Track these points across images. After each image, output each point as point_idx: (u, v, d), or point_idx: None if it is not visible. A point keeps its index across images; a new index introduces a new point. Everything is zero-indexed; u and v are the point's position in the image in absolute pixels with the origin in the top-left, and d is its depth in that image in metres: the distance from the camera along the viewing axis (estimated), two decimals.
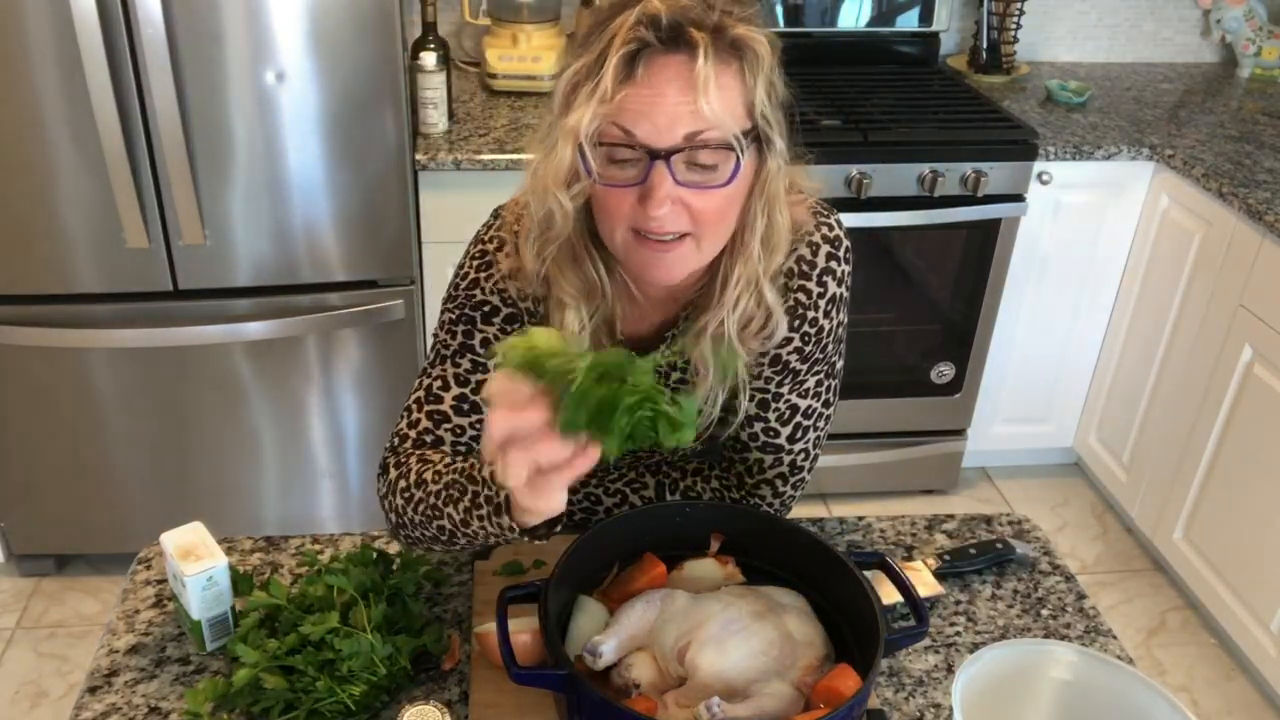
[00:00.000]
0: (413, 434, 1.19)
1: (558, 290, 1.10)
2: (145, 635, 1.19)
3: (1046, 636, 1.24)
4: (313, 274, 2.31)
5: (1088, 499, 3.02)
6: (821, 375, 1.22)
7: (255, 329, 2.31)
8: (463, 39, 2.86)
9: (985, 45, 2.94)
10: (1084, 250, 2.69)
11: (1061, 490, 3.05)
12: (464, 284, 1.18)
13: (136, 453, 2.45)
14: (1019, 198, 2.54)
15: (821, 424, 1.26)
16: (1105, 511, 2.98)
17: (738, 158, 0.99)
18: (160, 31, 1.99)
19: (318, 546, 1.32)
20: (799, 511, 1.35)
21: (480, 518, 1.06)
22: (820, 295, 1.17)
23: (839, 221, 1.19)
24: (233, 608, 1.16)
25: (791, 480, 1.28)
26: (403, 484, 1.15)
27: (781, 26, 2.79)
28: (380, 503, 1.20)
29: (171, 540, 1.16)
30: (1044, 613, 1.27)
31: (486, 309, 1.16)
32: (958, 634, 1.23)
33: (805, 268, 1.16)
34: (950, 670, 1.18)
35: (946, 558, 1.31)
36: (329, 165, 2.20)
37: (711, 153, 0.98)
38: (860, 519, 1.42)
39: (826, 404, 1.25)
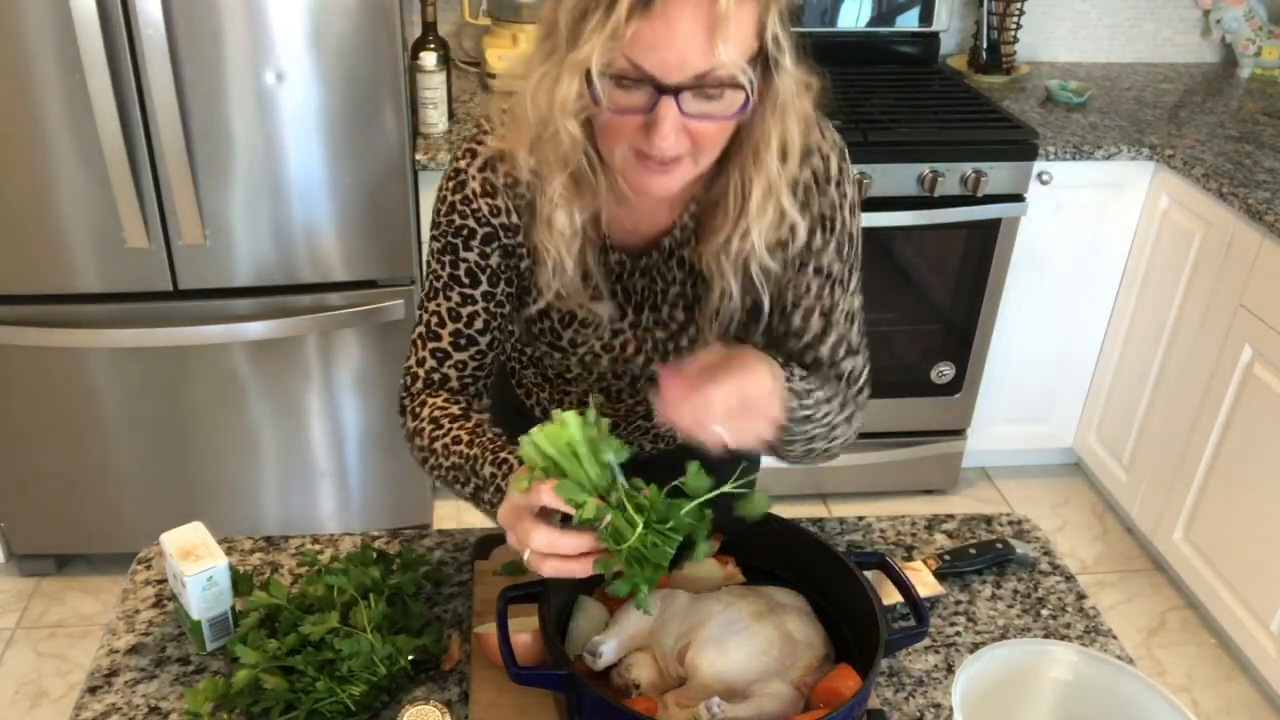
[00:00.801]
0: (421, 373, 1.21)
1: (550, 190, 1.09)
2: (145, 635, 1.19)
3: (1046, 636, 1.24)
4: (313, 274, 2.31)
5: (1088, 499, 3.02)
6: (857, 268, 1.23)
7: (255, 329, 2.31)
8: (463, 39, 2.86)
9: (985, 45, 2.94)
10: (1084, 250, 2.69)
11: (1061, 490, 3.05)
12: (443, 209, 1.18)
13: (136, 453, 2.45)
14: (1019, 198, 2.54)
15: (863, 317, 1.25)
16: (1105, 511, 2.98)
17: (747, 95, 0.98)
18: (160, 31, 1.99)
19: (318, 546, 1.32)
20: (799, 511, 1.35)
21: (483, 507, 1.11)
22: (842, 199, 1.17)
23: (833, 128, 1.19)
24: (233, 608, 1.16)
25: (864, 380, 1.27)
26: (419, 441, 1.18)
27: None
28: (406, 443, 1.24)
29: (171, 540, 1.16)
30: (1044, 613, 1.27)
31: (465, 233, 1.16)
32: (958, 634, 1.23)
33: (824, 176, 1.15)
34: (950, 670, 1.18)
35: (946, 558, 1.31)
36: (329, 165, 2.20)
37: (720, 86, 0.97)
38: (860, 519, 1.42)
39: (862, 305, 1.26)
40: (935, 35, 2.94)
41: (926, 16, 2.89)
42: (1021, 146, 2.50)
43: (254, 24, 2.05)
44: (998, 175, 2.50)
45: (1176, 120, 2.74)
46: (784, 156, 1.08)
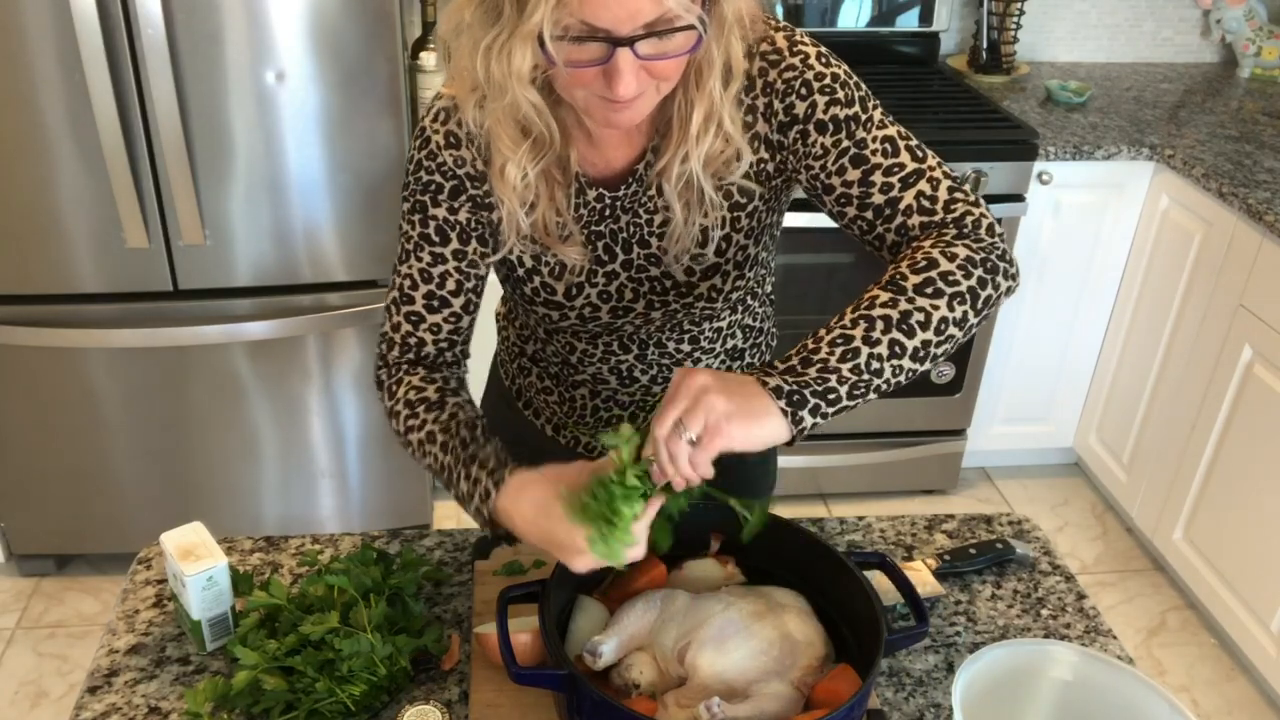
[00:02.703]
0: (397, 338, 1.20)
1: (496, 141, 1.08)
2: (145, 635, 1.19)
3: (1046, 636, 1.24)
4: (313, 274, 2.31)
5: (1088, 499, 3.02)
6: (879, 105, 1.15)
7: (255, 329, 2.31)
8: None
9: (985, 45, 2.94)
10: (1084, 250, 2.69)
11: (1061, 490, 3.05)
12: (411, 168, 1.18)
13: (136, 453, 2.45)
14: (1019, 198, 2.54)
15: (915, 141, 1.14)
16: (1105, 511, 2.98)
17: (700, 35, 0.98)
18: (160, 31, 1.99)
19: (318, 546, 1.32)
20: (799, 512, 1.35)
21: (467, 511, 1.11)
22: (805, 59, 1.12)
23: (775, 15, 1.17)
24: (233, 608, 1.17)
25: (959, 193, 1.12)
26: (395, 424, 1.18)
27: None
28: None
29: (171, 540, 1.16)
30: (1044, 613, 1.27)
31: (433, 189, 1.16)
32: (958, 634, 1.23)
33: (774, 57, 1.12)
34: (950, 670, 1.18)
35: (946, 558, 1.31)
36: (329, 165, 2.20)
37: (672, 30, 0.96)
38: (860, 519, 1.42)
39: (904, 134, 1.15)
40: (935, 35, 2.94)
41: (926, 16, 2.89)
42: (1021, 146, 2.51)
43: (254, 24, 2.05)
44: (998, 175, 2.50)
45: (1176, 120, 2.74)
46: (727, 79, 1.07)
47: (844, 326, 1.01)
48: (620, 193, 1.16)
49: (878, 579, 1.15)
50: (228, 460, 2.49)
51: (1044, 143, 2.52)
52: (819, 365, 0.98)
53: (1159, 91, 2.96)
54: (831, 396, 0.98)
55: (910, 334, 1.01)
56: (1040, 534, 1.40)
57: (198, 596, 1.13)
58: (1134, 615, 2.64)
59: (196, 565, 1.12)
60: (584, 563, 1.00)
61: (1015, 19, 2.92)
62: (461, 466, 1.09)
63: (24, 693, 2.33)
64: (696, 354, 1.32)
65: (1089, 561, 2.80)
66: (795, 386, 0.97)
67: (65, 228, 2.17)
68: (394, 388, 1.19)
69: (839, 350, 0.99)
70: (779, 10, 2.80)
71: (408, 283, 1.19)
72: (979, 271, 1.05)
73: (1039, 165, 2.53)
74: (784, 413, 0.96)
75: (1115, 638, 1.25)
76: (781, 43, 1.12)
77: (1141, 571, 2.78)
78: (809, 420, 0.97)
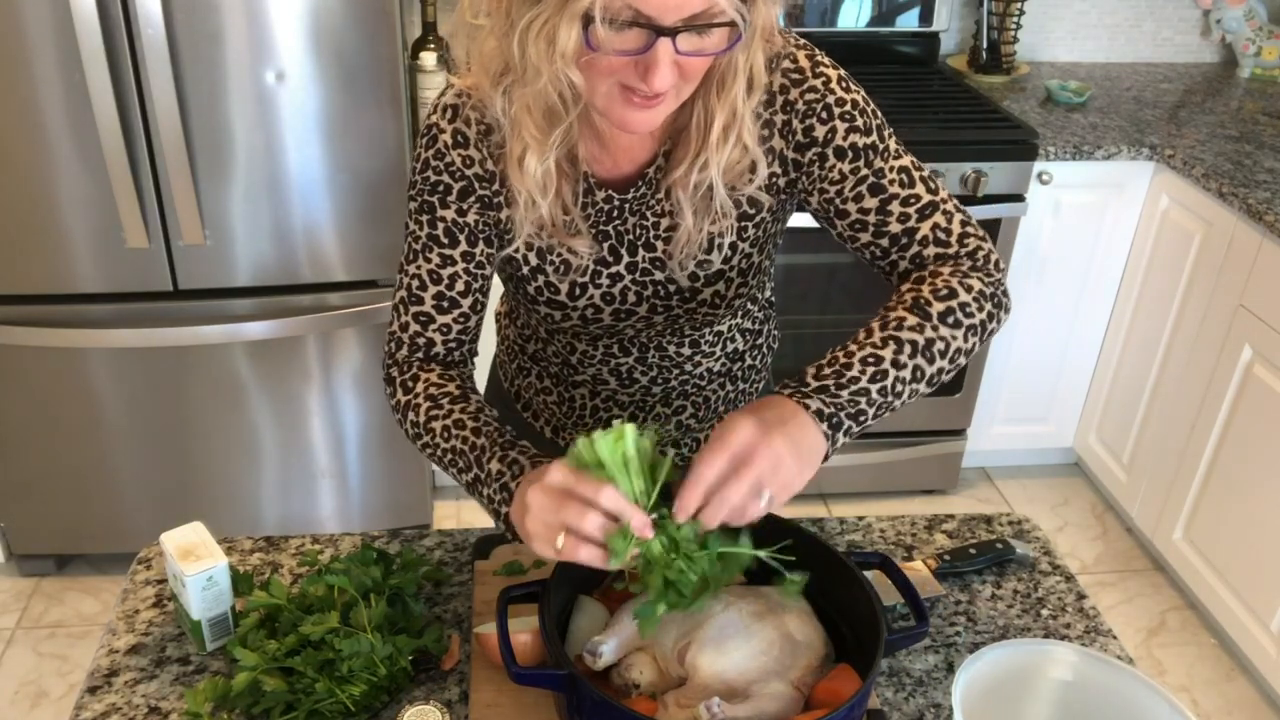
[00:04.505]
0: (406, 339, 1.20)
1: (520, 128, 1.07)
2: (145, 635, 1.19)
3: (1046, 636, 1.24)
4: (313, 274, 2.31)
5: (1088, 499, 3.02)
6: (893, 133, 1.17)
7: (255, 329, 2.31)
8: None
9: (985, 45, 2.94)
10: (1084, 250, 2.69)
11: (1061, 490, 3.05)
12: (418, 167, 1.17)
13: (136, 453, 2.45)
14: (1019, 198, 2.54)
15: (927, 172, 1.16)
16: (1105, 511, 2.98)
17: (739, 33, 0.98)
18: (160, 31, 1.99)
19: (318, 546, 1.32)
20: (799, 512, 1.35)
21: (480, 499, 1.11)
22: (826, 82, 1.13)
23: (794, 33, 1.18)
24: (233, 608, 1.17)
25: (970, 227, 1.16)
26: (412, 416, 1.17)
27: (782, 27, 2.81)
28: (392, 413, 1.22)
29: (171, 540, 1.16)
30: (1044, 613, 1.27)
31: (441, 189, 1.15)
32: (958, 634, 1.23)
33: (796, 75, 1.13)
34: (950, 670, 1.18)
35: (946, 558, 1.31)
36: (329, 165, 2.20)
37: (714, 25, 0.97)
38: (860, 519, 1.42)
39: (918, 164, 1.18)
40: (935, 35, 2.94)
41: (926, 16, 2.89)
42: (1021, 146, 2.51)
43: (254, 24, 2.05)
44: (998, 175, 2.50)
45: (1176, 120, 2.74)
46: (750, 87, 1.07)
47: (874, 345, 1.04)
48: (629, 195, 1.16)
49: (878, 579, 1.15)
50: (228, 460, 2.49)
51: (1044, 143, 2.52)
52: (852, 388, 1.01)
53: (1159, 91, 2.96)
54: (861, 419, 1.02)
55: (931, 361, 1.05)
56: (1040, 534, 1.40)
57: (198, 596, 1.13)
58: (1134, 615, 2.64)
59: (196, 565, 1.12)
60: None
61: (1015, 19, 2.92)
62: (498, 449, 1.09)
63: (24, 693, 2.33)
64: (697, 357, 1.32)
65: (1089, 561, 2.80)
66: (833, 409, 1.00)
67: (65, 228, 2.17)
68: (410, 383, 1.19)
69: (870, 370, 1.02)
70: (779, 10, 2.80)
71: (416, 283, 1.18)
72: (988, 306, 1.11)
73: (1039, 165, 2.53)
74: (825, 437, 0.99)
75: (1115, 638, 1.25)
76: (804, 62, 1.13)
77: (1141, 571, 2.78)
78: (840, 442, 1.00)
